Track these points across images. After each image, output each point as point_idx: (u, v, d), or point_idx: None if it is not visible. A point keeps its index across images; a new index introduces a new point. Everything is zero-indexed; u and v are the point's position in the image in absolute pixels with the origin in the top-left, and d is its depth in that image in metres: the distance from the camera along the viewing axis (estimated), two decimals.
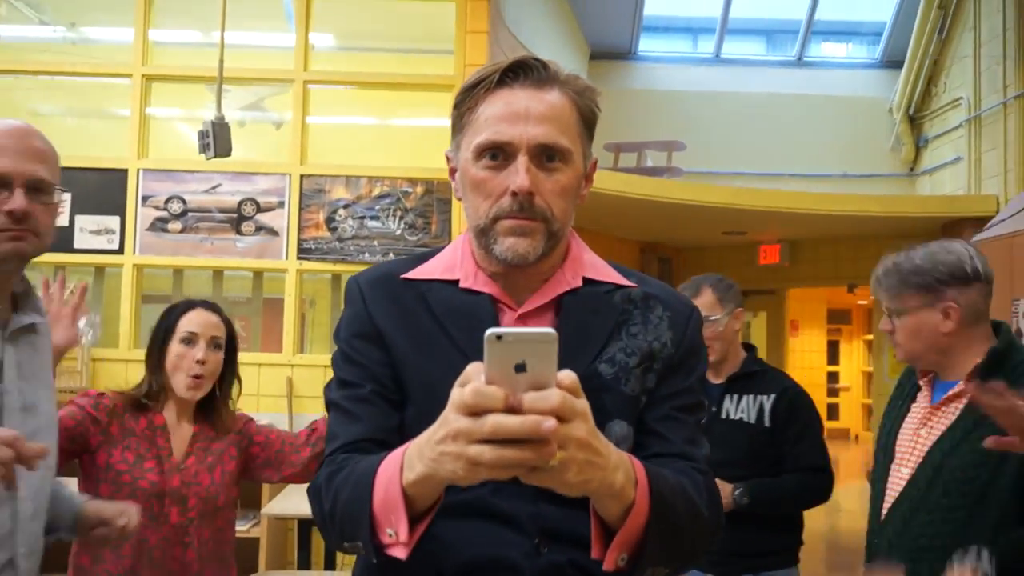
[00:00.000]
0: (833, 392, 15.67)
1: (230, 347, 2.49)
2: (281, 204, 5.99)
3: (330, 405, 1.28)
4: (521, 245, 1.22)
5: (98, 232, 5.97)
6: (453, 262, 1.31)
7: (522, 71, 1.24)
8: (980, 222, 6.83)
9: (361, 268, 5.91)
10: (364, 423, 1.22)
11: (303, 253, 5.95)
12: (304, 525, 3.71)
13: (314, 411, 5.77)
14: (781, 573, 2.78)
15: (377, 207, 6.00)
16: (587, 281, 1.30)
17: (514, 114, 1.21)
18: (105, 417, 2.34)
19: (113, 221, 5.96)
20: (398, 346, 1.25)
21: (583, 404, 0.96)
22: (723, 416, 2.85)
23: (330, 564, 3.78)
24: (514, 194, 1.21)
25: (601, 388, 1.22)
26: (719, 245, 9.15)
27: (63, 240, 5.78)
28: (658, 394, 1.27)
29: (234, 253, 5.99)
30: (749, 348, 2.98)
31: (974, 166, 7.39)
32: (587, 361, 1.23)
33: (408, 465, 1.03)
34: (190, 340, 2.40)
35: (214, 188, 5.95)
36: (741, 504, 2.71)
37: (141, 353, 5.88)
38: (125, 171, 5.97)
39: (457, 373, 1.17)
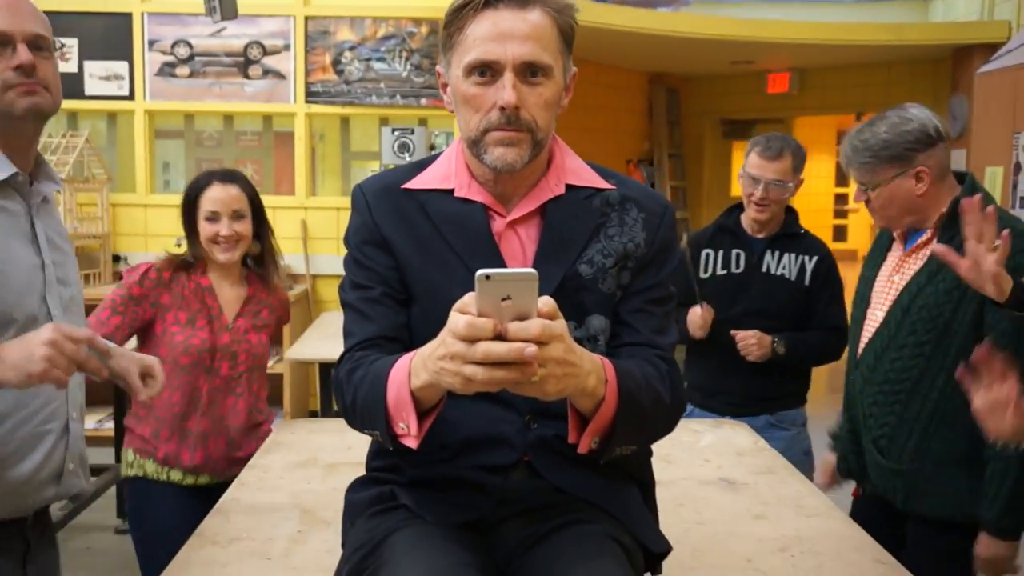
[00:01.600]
0: (841, 214, 15.80)
1: (257, 207, 2.66)
2: (287, 47, 5.99)
3: (345, 305, 1.43)
4: (509, 155, 1.34)
5: (107, 78, 6.01)
6: (448, 172, 1.43)
7: None
8: (991, 49, 6.73)
9: (369, 111, 5.98)
10: (376, 322, 1.38)
11: (311, 96, 6.00)
12: (325, 368, 3.96)
13: (327, 252, 5.98)
14: (792, 412, 3.00)
15: (383, 48, 6.00)
16: (569, 187, 1.43)
17: (500, 34, 1.31)
18: (153, 290, 2.56)
19: (121, 67, 6.00)
20: (402, 252, 1.39)
21: (560, 326, 1.11)
22: (763, 270, 2.98)
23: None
24: (502, 108, 1.32)
25: (581, 287, 1.38)
26: (727, 74, 9.07)
27: (74, 87, 5.83)
28: (631, 289, 1.42)
29: (243, 97, 6.04)
30: (790, 211, 3.08)
31: None
32: (569, 262, 1.38)
33: (415, 373, 1.20)
34: (213, 218, 2.58)
35: (219, 32, 5.94)
36: (778, 354, 2.90)
37: (158, 198, 6.00)
38: (129, 15, 5.97)
39: (454, 276, 1.34)
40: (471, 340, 1.07)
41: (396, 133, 5.66)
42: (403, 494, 1.35)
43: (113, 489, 4.23)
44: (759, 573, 1.64)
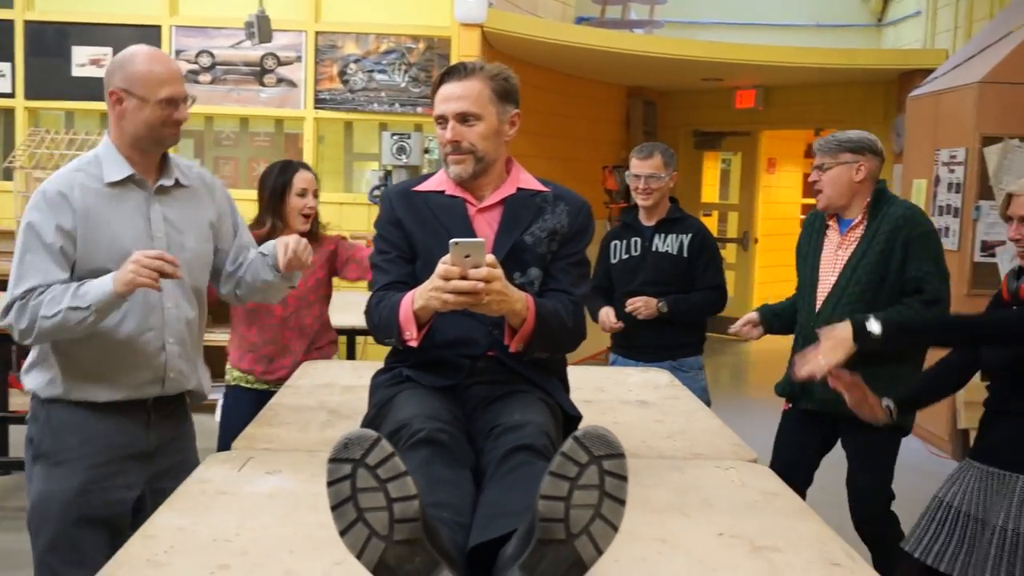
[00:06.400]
0: None
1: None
2: (299, 59, 6.73)
3: (373, 266, 2.20)
4: (456, 169, 2.13)
5: None
6: (441, 179, 2.20)
7: (454, 72, 2.11)
8: (930, 74, 7.52)
9: (371, 117, 6.72)
10: (393, 274, 2.15)
11: (319, 103, 6.74)
12: None
13: None
14: (691, 359, 3.89)
15: (384, 62, 6.75)
16: (520, 189, 2.19)
17: (445, 98, 2.11)
18: None
19: None
20: (410, 228, 2.16)
21: (499, 272, 1.88)
22: (654, 249, 3.87)
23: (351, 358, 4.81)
24: (448, 143, 2.11)
25: (525, 250, 2.13)
26: (699, 90, 9.84)
27: None
28: (558, 255, 2.17)
29: (258, 102, 6.78)
30: (673, 200, 3.94)
31: (930, 20, 8.01)
32: (518, 234, 2.13)
33: (416, 299, 1.96)
34: (303, 193, 3.51)
35: (239, 43, 6.67)
36: (663, 312, 3.80)
37: None
38: (159, 27, 6.70)
39: (443, 242, 2.07)
40: (447, 279, 1.86)
41: (395, 137, 6.40)
42: (408, 371, 2.10)
43: None
44: (648, 448, 2.39)
